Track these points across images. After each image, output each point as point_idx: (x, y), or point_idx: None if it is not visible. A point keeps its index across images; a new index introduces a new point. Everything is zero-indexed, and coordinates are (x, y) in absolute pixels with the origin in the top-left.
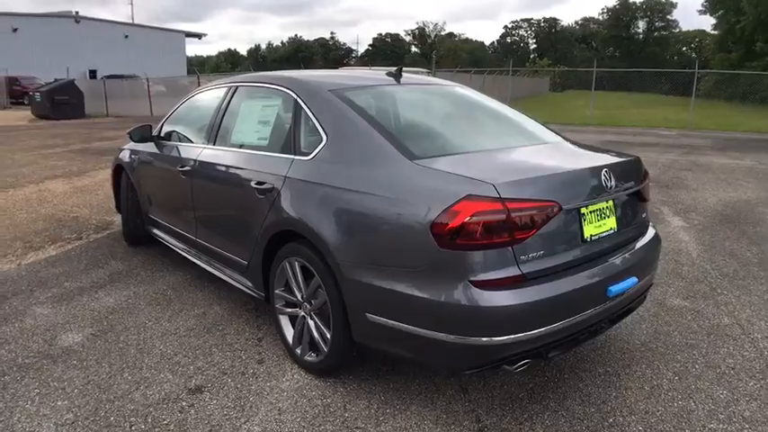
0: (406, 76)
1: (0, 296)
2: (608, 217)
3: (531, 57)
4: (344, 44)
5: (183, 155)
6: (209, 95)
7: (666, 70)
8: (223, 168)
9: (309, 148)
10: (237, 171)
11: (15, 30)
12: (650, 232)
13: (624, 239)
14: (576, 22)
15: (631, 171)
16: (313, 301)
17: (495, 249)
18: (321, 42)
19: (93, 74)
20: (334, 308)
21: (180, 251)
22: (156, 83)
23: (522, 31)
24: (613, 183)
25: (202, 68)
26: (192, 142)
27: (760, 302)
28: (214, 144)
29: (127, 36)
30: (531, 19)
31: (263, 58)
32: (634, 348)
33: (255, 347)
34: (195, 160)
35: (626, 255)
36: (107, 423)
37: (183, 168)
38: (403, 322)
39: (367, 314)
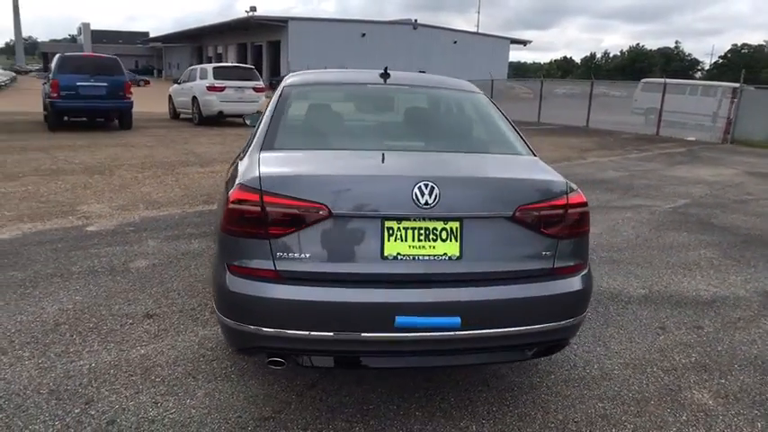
0: (396, 76)
1: (142, 228)
2: (442, 240)
3: None
4: (689, 55)
5: None
6: None
7: None
8: None
9: None
10: None
11: (363, 35)
12: (561, 279)
13: (479, 273)
14: None
15: (492, 191)
16: None
17: (251, 240)
18: (663, 52)
19: None
20: None
21: None
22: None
23: None
24: (436, 200)
25: (535, 75)
26: None
27: None
28: None
29: (455, 42)
30: None
31: (596, 67)
32: (540, 422)
33: None
34: None
35: (461, 290)
36: (77, 317)
37: None
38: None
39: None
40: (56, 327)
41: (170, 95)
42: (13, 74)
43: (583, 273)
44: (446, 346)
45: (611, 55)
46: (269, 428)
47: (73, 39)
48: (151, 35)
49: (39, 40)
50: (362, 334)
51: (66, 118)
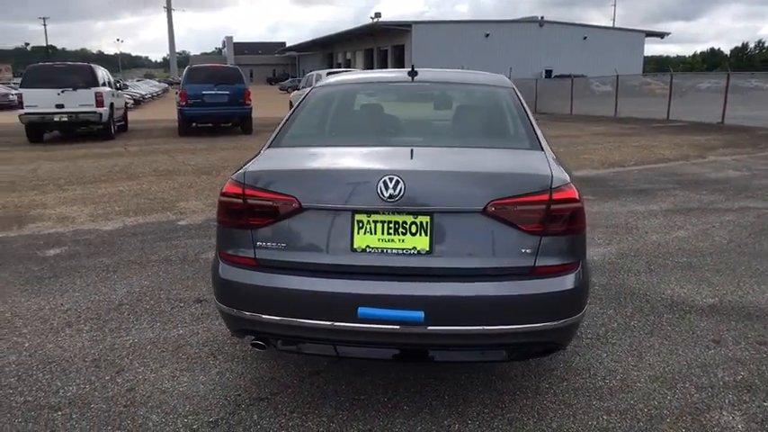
0: (424, 74)
1: None
2: (411, 233)
3: None
4: None
5: None
6: None
7: None
8: None
9: None
10: None
11: (487, 35)
12: (543, 278)
13: (448, 268)
14: None
15: (462, 185)
16: None
17: (236, 230)
18: None
19: (548, 73)
20: None
21: None
22: (602, 82)
23: None
24: (400, 193)
25: (677, 69)
26: None
27: None
28: None
29: (585, 37)
30: None
31: (748, 59)
32: (529, 429)
33: None
34: None
35: (427, 284)
36: (139, 299)
37: None
38: None
39: None
40: (119, 306)
41: (290, 101)
42: (166, 85)
43: (574, 272)
44: (411, 340)
45: (766, 45)
46: (260, 408)
47: (219, 51)
48: (288, 44)
49: (191, 54)
50: (327, 322)
51: (194, 124)
